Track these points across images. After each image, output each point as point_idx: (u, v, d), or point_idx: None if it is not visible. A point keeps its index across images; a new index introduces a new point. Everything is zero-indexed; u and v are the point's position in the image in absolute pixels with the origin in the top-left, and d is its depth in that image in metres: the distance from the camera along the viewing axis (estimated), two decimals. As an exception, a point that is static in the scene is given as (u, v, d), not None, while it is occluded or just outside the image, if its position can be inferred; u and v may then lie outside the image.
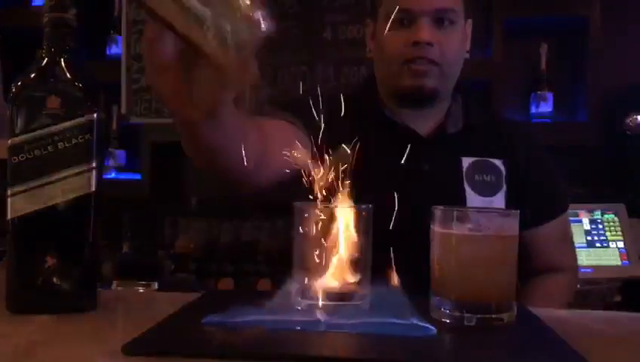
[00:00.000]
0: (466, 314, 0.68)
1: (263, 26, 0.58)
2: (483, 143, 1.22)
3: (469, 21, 1.22)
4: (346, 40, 2.35)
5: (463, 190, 1.16)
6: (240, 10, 0.58)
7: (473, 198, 1.16)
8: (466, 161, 1.19)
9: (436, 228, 0.72)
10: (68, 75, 0.74)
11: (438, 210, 0.72)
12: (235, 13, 0.57)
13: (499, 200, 1.18)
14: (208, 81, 0.61)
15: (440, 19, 1.13)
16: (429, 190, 1.14)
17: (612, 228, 2.05)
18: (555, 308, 1.18)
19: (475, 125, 1.23)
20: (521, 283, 1.24)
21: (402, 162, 1.17)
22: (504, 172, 1.20)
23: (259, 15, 0.58)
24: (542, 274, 1.25)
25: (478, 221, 0.69)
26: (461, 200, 1.16)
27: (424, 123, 1.23)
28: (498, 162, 1.20)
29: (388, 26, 1.14)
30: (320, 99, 1.28)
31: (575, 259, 1.33)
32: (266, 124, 1.05)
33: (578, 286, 1.81)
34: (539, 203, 1.23)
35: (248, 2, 0.58)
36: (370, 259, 0.72)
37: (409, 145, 1.19)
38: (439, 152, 1.20)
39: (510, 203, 1.18)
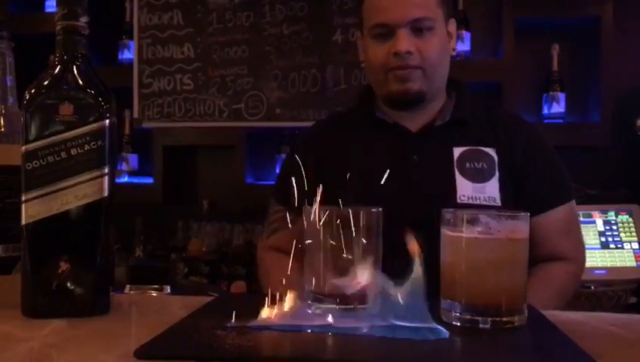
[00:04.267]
0: (476, 317, 0.68)
1: None
2: (475, 133, 1.26)
3: (452, 20, 1.29)
4: (356, 43, 2.35)
5: (454, 177, 1.20)
6: None
7: (464, 185, 1.20)
8: (458, 150, 1.23)
9: (446, 231, 0.72)
10: (80, 82, 0.75)
11: (447, 213, 0.72)
12: None
13: (492, 186, 1.21)
14: None
15: (417, 27, 1.20)
16: (420, 180, 1.21)
17: (626, 229, 2.03)
18: (553, 292, 1.19)
19: (464, 118, 1.27)
20: None
21: (391, 155, 1.22)
22: (496, 158, 1.23)
23: None
24: (545, 262, 1.25)
25: (487, 224, 0.69)
26: (451, 187, 1.19)
27: (416, 121, 1.29)
28: (491, 150, 1.24)
29: (371, 39, 1.24)
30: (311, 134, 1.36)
31: (581, 251, 1.31)
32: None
33: (592, 287, 1.80)
34: (539, 191, 1.25)
35: None
36: (381, 262, 0.72)
37: (398, 140, 1.24)
38: (428, 144, 1.25)
39: (505, 189, 1.21)
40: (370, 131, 1.29)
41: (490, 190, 1.20)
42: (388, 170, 1.20)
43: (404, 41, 1.19)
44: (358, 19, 1.33)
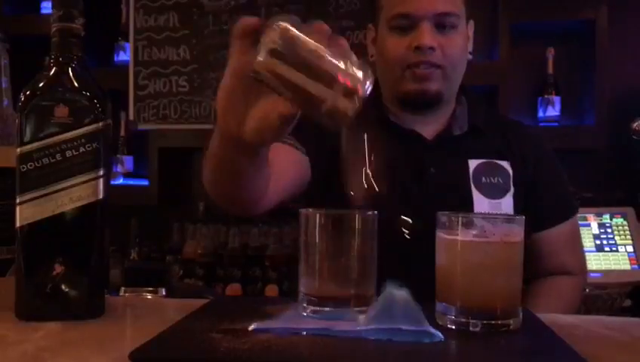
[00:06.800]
0: (471, 321, 0.68)
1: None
2: (490, 145, 1.21)
3: (471, 22, 1.22)
4: (353, 45, 2.34)
5: (470, 193, 1.16)
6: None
7: (481, 201, 1.15)
8: (473, 163, 1.18)
9: (441, 234, 0.72)
10: (76, 84, 0.74)
11: (442, 216, 0.72)
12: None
13: (507, 203, 1.17)
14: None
15: (441, 23, 1.12)
16: (437, 193, 1.15)
17: (621, 233, 2.03)
18: (563, 306, 1.18)
19: (480, 127, 1.22)
20: (528, 285, 1.24)
21: (409, 166, 1.18)
22: (511, 173, 1.19)
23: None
24: (551, 275, 1.25)
25: (483, 227, 0.69)
26: (468, 203, 1.15)
27: (429, 126, 1.22)
28: (505, 163, 1.20)
29: (389, 31, 1.15)
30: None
31: (584, 262, 1.33)
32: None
33: (587, 290, 1.80)
34: (551, 205, 1.23)
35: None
36: (376, 265, 0.72)
37: (415, 149, 1.20)
38: (445, 155, 1.19)
39: (518, 205, 1.18)
40: (385, 136, 1.20)
41: (506, 207, 1.16)
42: (400, 189, 1.15)
43: (428, 35, 1.10)
44: (372, 7, 1.23)
